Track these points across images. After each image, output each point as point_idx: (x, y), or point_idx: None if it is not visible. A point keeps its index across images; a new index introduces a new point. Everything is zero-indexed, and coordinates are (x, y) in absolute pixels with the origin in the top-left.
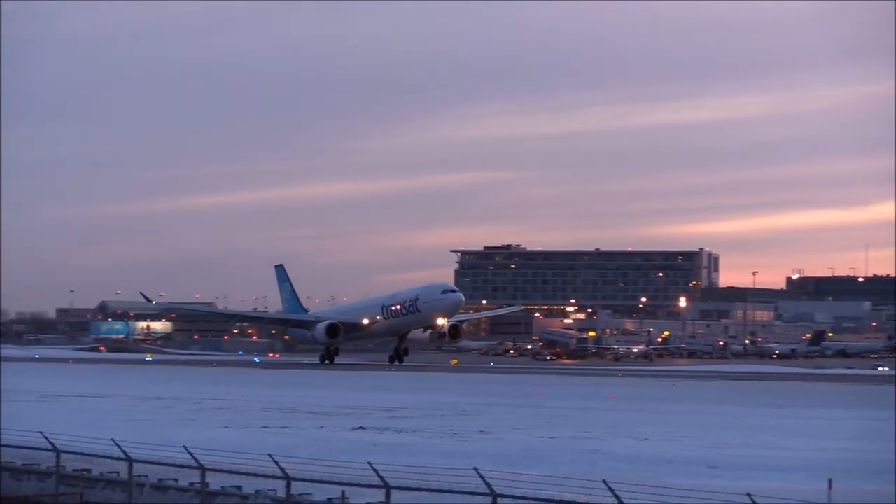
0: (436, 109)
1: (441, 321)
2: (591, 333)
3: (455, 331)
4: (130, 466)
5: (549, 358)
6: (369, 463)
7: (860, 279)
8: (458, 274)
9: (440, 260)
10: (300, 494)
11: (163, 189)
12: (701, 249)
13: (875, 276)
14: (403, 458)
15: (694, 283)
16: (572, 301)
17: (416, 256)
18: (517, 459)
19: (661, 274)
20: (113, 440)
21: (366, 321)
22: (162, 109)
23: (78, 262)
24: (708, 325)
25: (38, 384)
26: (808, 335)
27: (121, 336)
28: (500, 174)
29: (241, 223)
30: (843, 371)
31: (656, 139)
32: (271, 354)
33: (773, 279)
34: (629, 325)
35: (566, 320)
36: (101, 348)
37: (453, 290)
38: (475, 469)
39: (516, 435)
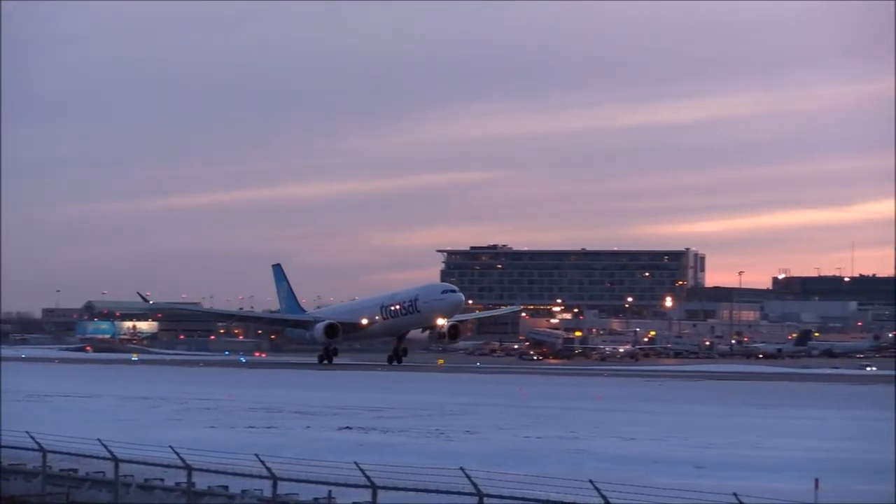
0: (423, 109)
1: (441, 321)
2: (578, 333)
3: (454, 331)
4: (117, 466)
5: (535, 358)
6: (356, 463)
7: (846, 279)
8: (444, 274)
9: (426, 260)
10: (287, 494)
11: (149, 189)
12: (687, 249)
13: (861, 275)
14: (390, 458)
15: (680, 282)
16: (559, 301)
17: (403, 256)
18: (503, 459)
19: (647, 274)
20: (99, 440)
21: (365, 321)
22: (151, 109)
23: (64, 262)
24: (694, 325)
25: (24, 384)
26: (794, 335)
27: (107, 336)
28: (487, 174)
29: (228, 223)
30: (830, 371)
31: (642, 140)
32: (258, 354)
33: (760, 279)
34: (615, 324)
35: (552, 320)
36: (88, 348)
37: (453, 291)
38: (461, 469)
39: (503, 435)
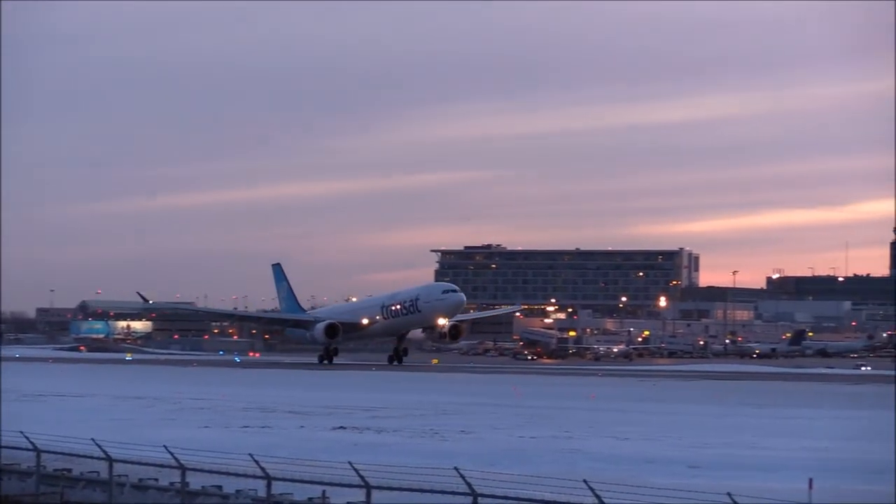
0: (415, 109)
1: (442, 321)
2: (572, 333)
3: (456, 331)
4: (111, 466)
5: (529, 357)
6: (350, 462)
7: (840, 279)
8: (438, 274)
9: (420, 260)
10: (281, 494)
11: (140, 189)
12: (681, 249)
13: (855, 275)
14: (384, 458)
15: (674, 282)
16: (553, 300)
17: (397, 256)
18: (498, 459)
19: (641, 273)
20: (93, 440)
21: (365, 321)
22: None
23: (58, 262)
24: (688, 325)
25: (18, 384)
26: (788, 335)
27: (101, 335)
28: (481, 174)
29: (220, 223)
30: (824, 370)
31: (636, 139)
32: (252, 354)
33: (754, 279)
34: (609, 324)
35: (546, 320)
36: (82, 348)
37: (454, 290)
38: (456, 469)
39: (497, 434)
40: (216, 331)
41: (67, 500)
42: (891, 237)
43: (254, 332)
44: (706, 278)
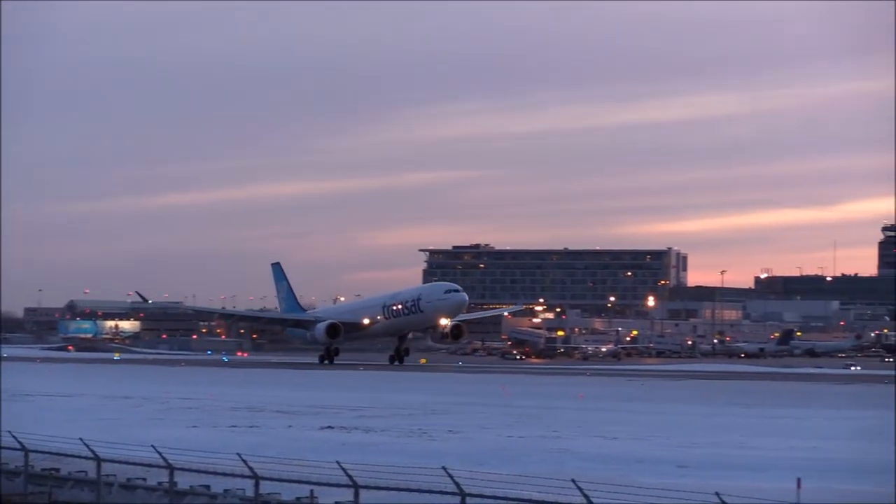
0: (403, 108)
1: (444, 321)
2: (560, 333)
3: (458, 331)
4: (99, 466)
5: (517, 357)
6: (338, 462)
7: (828, 278)
8: (426, 273)
9: (409, 259)
10: (269, 494)
11: (128, 188)
12: (669, 248)
13: (843, 275)
14: (372, 458)
15: (662, 282)
16: (541, 300)
17: (385, 256)
18: (486, 458)
19: (629, 273)
20: (81, 439)
21: (366, 321)
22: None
23: (46, 261)
24: (676, 325)
25: (5, 383)
26: (776, 334)
27: (89, 335)
28: (469, 173)
29: (208, 222)
30: (812, 370)
31: (624, 138)
32: (240, 354)
33: (742, 278)
34: (598, 324)
35: (535, 319)
36: (70, 347)
37: (457, 290)
38: (444, 468)
39: (485, 434)
40: (204, 330)
41: (55, 500)
42: (879, 237)
43: (242, 331)
44: (694, 278)
